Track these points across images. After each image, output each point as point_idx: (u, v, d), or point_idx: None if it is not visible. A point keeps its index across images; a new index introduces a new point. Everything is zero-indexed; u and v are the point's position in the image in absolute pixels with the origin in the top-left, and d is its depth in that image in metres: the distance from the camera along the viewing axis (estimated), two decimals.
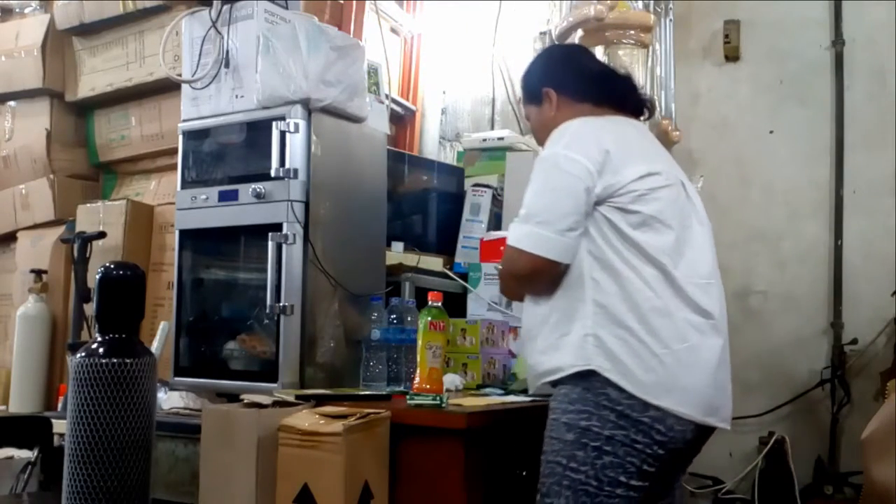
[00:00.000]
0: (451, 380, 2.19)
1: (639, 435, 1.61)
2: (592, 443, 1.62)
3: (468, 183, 3.11)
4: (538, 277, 1.71)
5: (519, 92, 3.63)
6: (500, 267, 1.83)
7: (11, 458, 2.39)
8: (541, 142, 1.92)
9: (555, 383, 1.71)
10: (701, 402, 1.64)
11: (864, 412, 2.78)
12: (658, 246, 1.67)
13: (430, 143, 3.74)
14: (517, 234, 1.71)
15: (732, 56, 3.30)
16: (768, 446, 2.97)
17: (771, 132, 3.19)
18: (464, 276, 2.72)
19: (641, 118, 1.95)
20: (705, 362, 1.66)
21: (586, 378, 1.64)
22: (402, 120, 3.62)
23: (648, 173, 1.71)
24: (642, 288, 1.64)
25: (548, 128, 1.85)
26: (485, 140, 3.21)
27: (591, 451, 1.62)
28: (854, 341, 2.93)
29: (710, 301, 1.70)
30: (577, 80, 1.92)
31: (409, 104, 3.63)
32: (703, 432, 1.69)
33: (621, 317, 1.64)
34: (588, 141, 1.72)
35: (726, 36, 3.29)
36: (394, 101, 3.43)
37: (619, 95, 1.90)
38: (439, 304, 1.99)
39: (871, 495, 1.79)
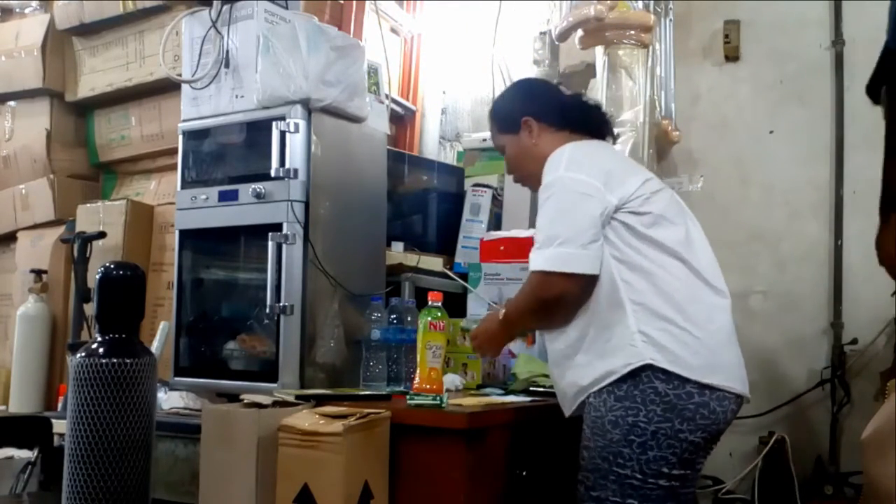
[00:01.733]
0: (451, 380, 2.19)
1: (684, 424, 1.70)
2: (638, 438, 1.70)
3: (468, 183, 3.11)
4: (573, 295, 1.77)
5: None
6: (528, 300, 1.84)
7: (11, 458, 2.40)
8: (516, 170, 2.06)
9: (599, 391, 1.77)
10: (738, 375, 1.79)
11: (864, 412, 2.78)
12: (674, 239, 1.79)
13: (430, 143, 3.74)
14: (542, 259, 1.77)
15: (732, 56, 3.30)
16: (768, 446, 2.96)
17: (771, 132, 3.19)
18: (464, 276, 2.72)
19: (611, 143, 2.10)
20: (732, 339, 1.82)
21: (634, 375, 1.71)
22: (402, 120, 3.62)
23: (646, 180, 1.85)
24: (670, 279, 1.75)
25: (528, 155, 1.98)
26: (485, 140, 3.21)
27: (637, 448, 1.70)
28: (854, 341, 2.93)
29: (722, 283, 1.84)
30: (556, 108, 2.02)
31: (409, 104, 3.63)
32: (737, 408, 1.80)
33: (659, 310, 1.73)
34: (585, 162, 1.83)
35: (726, 36, 3.28)
36: (394, 101, 3.43)
37: (594, 123, 2.02)
38: (439, 304, 1.99)
39: (871, 495, 1.79)
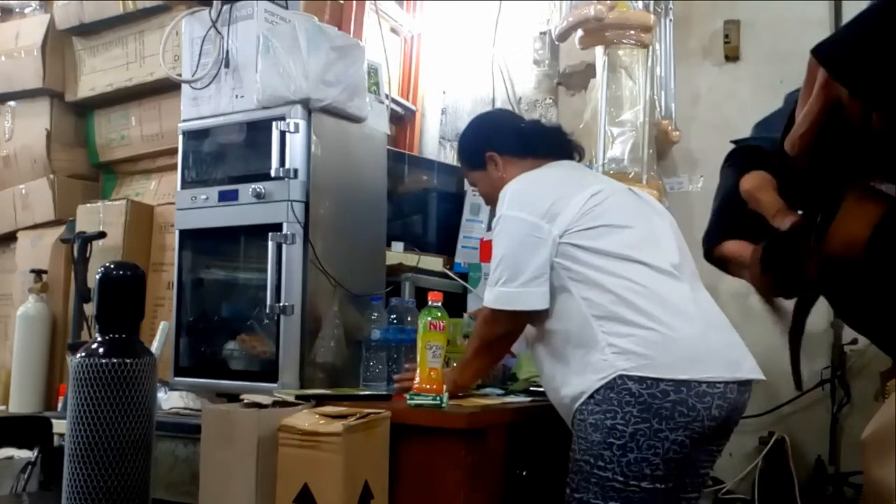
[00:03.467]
0: None
1: (662, 423, 1.68)
2: (618, 441, 1.70)
3: (468, 183, 3.11)
4: (517, 331, 1.91)
5: (518, 93, 3.66)
6: (473, 342, 1.96)
7: (11, 458, 2.39)
8: (492, 203, 2.08)
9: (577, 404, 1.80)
10: (725, 360, 1.75)
11: (864, 412, 2.78)
12: (622, 243, 1.81)
13: (430, 143, 3.74)
14: (489, 298, 1.87)
15: (732, 56, 3.30)
16: (768, 446, 2.97)
17: None
18: (464, 276, 2.72)
19: (577, 160, 2.11)
20: (714, 323, 1.81)
21: (608, 384, 1.72)
22: (402, 120, 3.62)
23: (590, 195, 1.86)
24: (626, 284, 1.76)
25: (497, 189, 2.00)
26: None
27: (617, 450, 1.70)
28: (854, 341, 2.93)
29: (693, 271, 1.88)
30: (515, 138, 2.08)
31: (409, 104, 3.63)
32: (738, 394, 1.75)
33: (622, 316, 1.74)
34: (527, 198, 1.89)
35: (726, 36, 3.28)
36: (394, 101, 3.43)
37: (554, 144, 2.07)
38: (439, 304, 1.99)
39: (871, 495, 1.79)
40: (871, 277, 0.81)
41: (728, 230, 1.05)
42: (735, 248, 1.34)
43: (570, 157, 2.08)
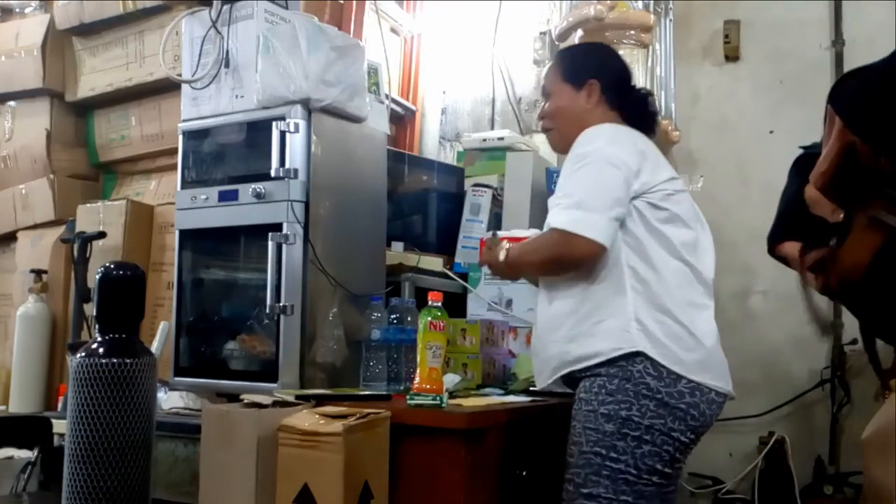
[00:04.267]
0: (451, 379, 2.19)
1: (675, 422, 1.71)
2: (633, 432, 1.70)
3: (468, 183, 3.11)
4: (587, 262, 1.78)
5: (518, 92, 3.66)
6: (544, 254, 1.85)
7: (11, 458, 2.39)
8: (553, 119, 2.01)
9: (582, 374, 1.78)
10: (725, 375, 1.82)
11: (864, 412, 2.78)
12: (682, 240, 1.81)
13: (430, 143, 3.74)
14: (570, 219, 1.76)
15: (732, 56, 3.30)
16: (768, 446, 2.97)
17: (771, 132, 3.19)
18: (464, 276, 2.72)
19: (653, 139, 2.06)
20: (715, 336, 1.84)
21: (624, 366, 1.72)
22: (402, 120, 3.62)
23: (672, 177, 1.87)
24: (671, 278, 1.78)
25: (573, 116, 1.96)
26: (485, 140, 3.21)
27: (632, 441, 1.70)
28: (854, 341, 2.93)
29: (712, 291, 1.90)
30: (622, 90, 2.02)
31: (409, 104, 3.63)
32: (720, 410, 1.83)
33: (660, 301, 1.75)
34: (626, 142, 1.85)
35: (726, 36, 3.28)
36: (394, 101, 3.43)
37: (644, 118, 2.02)
38: (439, 304, 1.99)
39: (872, 496, 1.79)
40: (873, 294, 0.94)
41: (790, 230, 1.19)
42: (790, 249, 1.52)
43: (652, 134, 2.04)
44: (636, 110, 2.02)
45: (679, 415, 1.71)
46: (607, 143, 1.82)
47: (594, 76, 1.98)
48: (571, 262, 1.79)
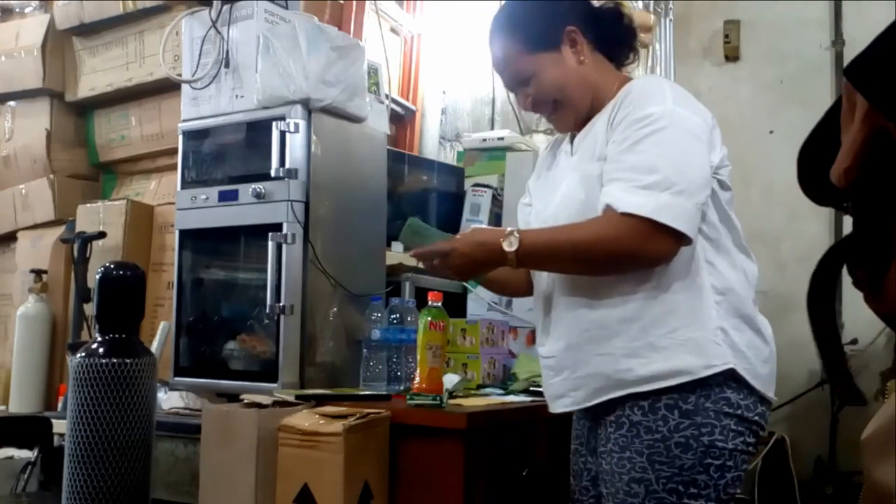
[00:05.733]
0: (451, 379, 2.19)
1: (752, 437, 1.44)
2: (716, 461, 1.38)
3: (468, 183, 3.11)
4: (666, 260, 1.40)
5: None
6: (603, 244, 1.41)
7: (11, 458, 2.39)
8: (556, 93, 1.57)
9: (640, 395, 1.41)
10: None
11: (863, 412, 2.78)
12: (739, 227, 1.52)
13: (430, 143, 3.73)
14: (655, 204, 1.35)
15: (732, 56, 3.31)
16: (768, 446, 2.97)
17: (771, 132, 3.19)
18: None
19: None
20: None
21: (702, 382, 1.39)
22: (402, 120, 3.62)
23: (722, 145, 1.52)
24: (745, 276, 1.48)
25: (573, 77, 1.54)
26: (485, 140, 3.21)
27: (715, 472, 1.38)
28: (854, 341, 2.93)
29: None
30: (598, 19, 1.59)
31: (409, 104, 3.62)
32: None
33: (741, 304, 1.44)
34: (694, 101, 1.49)
35: (726, 36, 3.29)
36: (394, 101, 3.43)
37: (626, 38, 1.63)
38: (439, 304, 1.99)
39: (871, 495, 1.79)
40: None
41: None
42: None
43: (637, 56, 1.65)
44: (615, 34, 1.61)
45: (754, 429, 1.44)
46: (676, 102, 1.43)
47: (567, 22, 1.55)
48: (650, 260, 1.39)
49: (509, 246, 1.45)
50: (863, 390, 3.08)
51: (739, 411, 1.40)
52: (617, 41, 1.61)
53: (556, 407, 1.55)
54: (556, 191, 1.59)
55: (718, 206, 1.47)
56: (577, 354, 1.48)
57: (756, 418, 1.43)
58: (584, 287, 1.48)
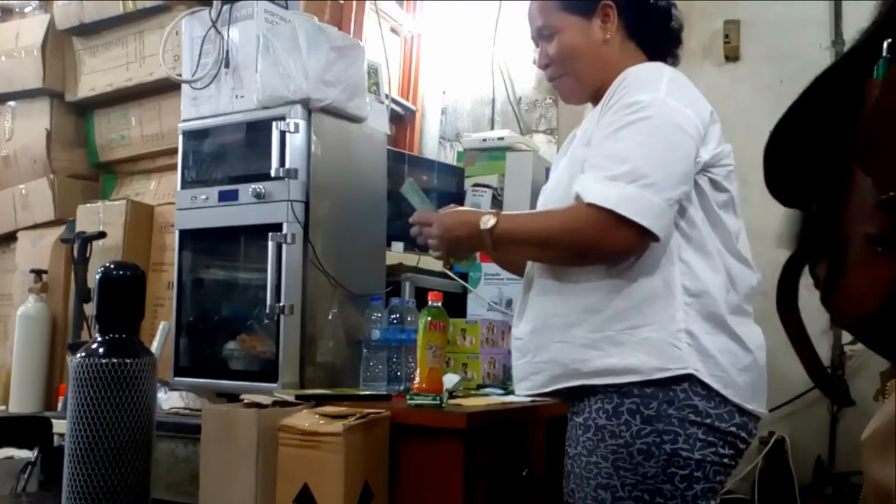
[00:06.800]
0: (451, 379, 2.19)
1: (726, 448, 1.37)
2: (682, 471, 1.33)
3: (468, 183, 3.11)
4: (628, 256, 1.36)
5: (518, 92, 3.66)
6: (566, 234, 1.39)
7: (11, 458, 2.40)
8: (563, 63, 1.56)
9: (598, 389, 1.38)
10: (765, 399, 1.46)
11: (863, 412, 2.77)
12: (735, 229, 1.45)
13: (431, 143, 3.74)
14: (620, 195, 1.31)
15: (732, 56, 3.30)
16: (768, 446, 2.96)
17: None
18: (464, 276, 2.72)
19: None
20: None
21: (666, 388, 1.34)
22: (402, 120, 3.62)
23: (730, 150, 1.49)
24: (728, 280, 1.41)
25: (588, 52, 1.52)
26: (485, 140, 3.21)
27: (681, 482, 1.33)
28: (854, 341, 2.93)
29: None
30: (642, 7, 1.54)
31: (409, 104, 3.63)
32: None
33: (715, 308, 1.37)
34: (693, 94, 1.43)
35: (726, 36, 3.28)
36: (394, 101, 3.43)
37: (669, 40, 1.58)
38: (439, 304, 1.99)
39: (871, 496, 1.79)
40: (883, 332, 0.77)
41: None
42: None
43: (678, 61, 1.59)
44: (658, 31, 1.55)
45: (730, 440, 1.37)
46: (669, 93, 1.38)
47: None
48: (607, 254, 1.36)
49: (485, 224, 1.44)
50: (862, 390, 3.07)
51: (709, 420, 1.34)
52: (657, 38, 1.56)
53: (519, 389, 1.53)
54: (554, 175, 1.60)
55: (706, 205, 1.42)
56: (539, 339, 1.45)
57: (732, 429, 1.37)
58: (556, 273, 1.45)
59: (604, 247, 1.35)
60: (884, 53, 0.74)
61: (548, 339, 1.44)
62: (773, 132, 0.88)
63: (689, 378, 1.34)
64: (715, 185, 1.43)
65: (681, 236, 1.39)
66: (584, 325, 1.39)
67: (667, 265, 1.37)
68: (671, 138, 1.35)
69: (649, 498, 1.33)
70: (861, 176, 0.75)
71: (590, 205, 1.33)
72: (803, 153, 0.81)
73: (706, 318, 1.36)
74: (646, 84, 1.40)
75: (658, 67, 1.46)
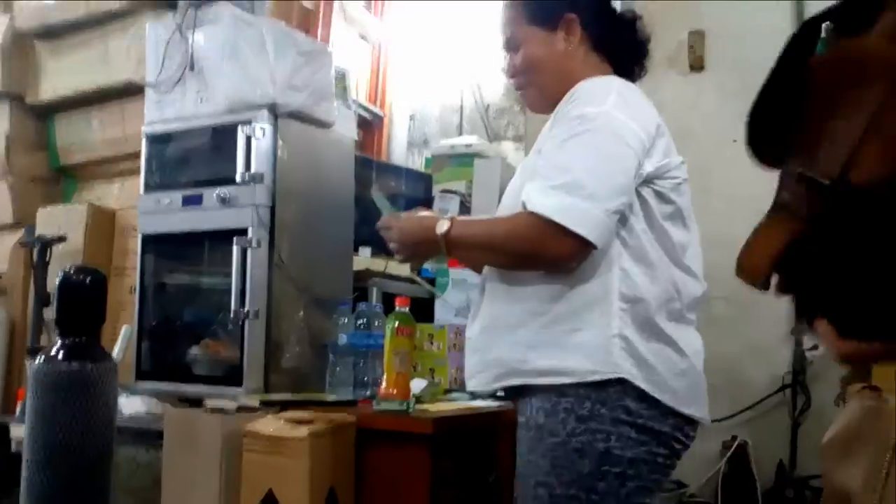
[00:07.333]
0: (418, 385, 2.18)
1: (660, 447, 1.41)
2: (614, 468, 1.37)
3: (436, 189, 3.12)
4: (567, 264, 1.40)
5: (486, 99, 3.67)
6: (509, 241, 1.45)
7: None
8: (527, 73, 1.61)
9: (538, 389, 1.43)
10: (706, 404, 1.50)
11: (824, 417, 2.82)
12: (680, 243, 1.48)
13: (398, 149, 3.74)
14: (558, 204, 1.36)
15: (697, 66, 3.34)
16: (731, 450, 3.00)
17: (735, 141, 3.22)
18: (431, 282, 2.72)
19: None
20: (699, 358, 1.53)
21: (600, 388, 1.38)
22: (370, 125, 3.62)
23: (682, 162, 1.52)
24: (668, 288, 1.45)
25: (551, 64, 1.56)
26: (453, 147, 3.22)
27: (614, 480, 1.37)
28: (815, 346, 2.98)
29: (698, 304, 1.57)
30: (604, 20, 1.59)
31: (377, 110, 3.63)
32: None
33: (652, 316, 1.42)
34: (641, 107, 1.48)
35: (691, 46, 3.33)
36: (361, 106, 3.43)
37: (634, 52, 1.63)
38: (406, 309, 1.99)
39: (831, 498, 1.82)
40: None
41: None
42: None
43: (643, 72, 1.65)
44: (623, 43, 1.61)
45: (664, 440, 1.41)
46: (616, 106, 1.42)
47: (572, 9, 1.56)
48: (547, 261, 1.41)
49: (440, 228, 1.49)
50: (822, 396, 3.10)
51: (641, 420, 1.39)
52: (622, 50, 1.61)
53: (469, 385, 1.57)
54: (511, 182, 1.65)
55: (649, 215, 1.45)
56: (487, 339, 1.51)
57: (666, 430, 1.41)
58: (505, 278, 1.51)
59: (544, 253, 1.40)
60: (822, 34, 0.80)
61: (495, 338, 1.49)
62: (756, 100, 0.98)
63: (623, 381, 1.38)
64: (660, 196, 1.46)
65: (621, 245, 1.43)
66: (526, 327, 1.44)
67: (605, 272, 1.41)
68: (612, 151, 1.40)
69: (584, 496, 1.37)
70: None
71: (532, 213, 1.39)
72: (780, 118, 0.87)
73: (641, 324, 1.41)
74: (593, 97, 1.45)
75: (607, 81, 1.51)
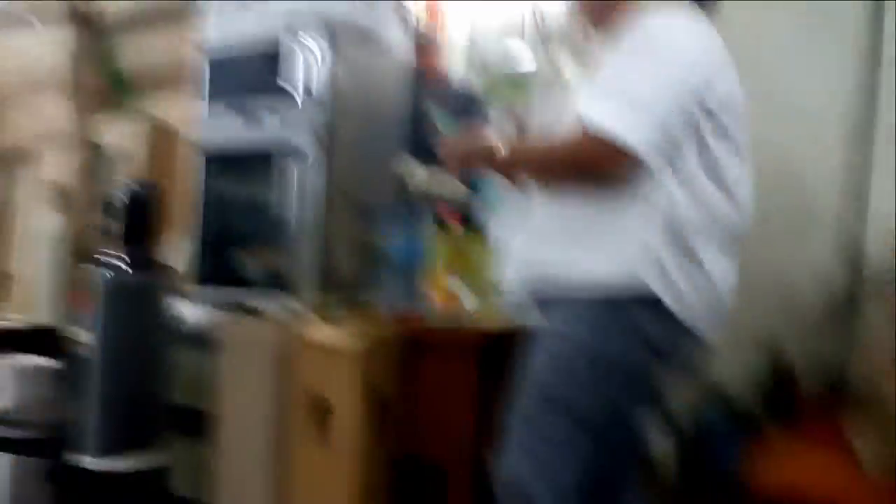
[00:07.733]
0: (465, 297, 2.19)
1: (666, 361, 1.47)
2: (619, 377, 1.43)
3: (493, 111, 3.07)
4: (621, 177, 1.39)
5: (547, 19, 3.57)
6: (562, 160, 1.46)
7: (34, 366, 2.45)
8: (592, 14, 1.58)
9: (560, 299, 1.45)
10: (721, 329, 1.52)
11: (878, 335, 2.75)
12: (734, 176, 1.46)
13: (456, 72, 3.69)
14: (606, 111, 1.35)
15: None
16: (779, 366, 2.94)
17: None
18: (481, 198, 2.71)
19: None
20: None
21: (620, 302, 1.41)
22: (428, 47, 3.57)
23: (743, 94, 1.49)
24: (712, 215, 1.44)
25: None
26: (511, 69, 3.17)
27: (617, 388, 1.44)
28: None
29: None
30: None
31: (434, 32, 3.57)
32: None
33: (688, 239, 1.42)
34: (706, 37, 1.46)
35: None
36: (419, 28, 3.38)
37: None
38: (456, 222, 1.99)
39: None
40: None
41: None
42: None
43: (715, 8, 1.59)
44: None
45: (672, 353, 1.47)
46: (681, 31, 1.43)
47: None
48: (599, 173, 1.40)
49: (496, 144, 1.54)
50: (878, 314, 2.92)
51: (656, 333, 1.42)
52: None
53: (507, 295, 1.63)
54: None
55: (702, 144, 1.43)
56: (527, 248, 1.54)
57: (678, 345, 1.45)
58: (551, 192, 1.52)
59: (597, 161, 1.39)
60: None
61: (534, 247, 1.52)
62: None
63: (644, 299, 1.40)
64: (717, 128, 1.44)
65: (671, 168, 1.41)
66: (562, 238, 1.47)
67: (652, 193, 1.40)
68: (668, 68, 1.39)
69: (577, 395, 1.42)
70: None
71: (586, 124, 1.37)
72: None
73: (678, 245, 1.41)
74: (658, 26, 1.44)
75: (671, 17, 1.47)
